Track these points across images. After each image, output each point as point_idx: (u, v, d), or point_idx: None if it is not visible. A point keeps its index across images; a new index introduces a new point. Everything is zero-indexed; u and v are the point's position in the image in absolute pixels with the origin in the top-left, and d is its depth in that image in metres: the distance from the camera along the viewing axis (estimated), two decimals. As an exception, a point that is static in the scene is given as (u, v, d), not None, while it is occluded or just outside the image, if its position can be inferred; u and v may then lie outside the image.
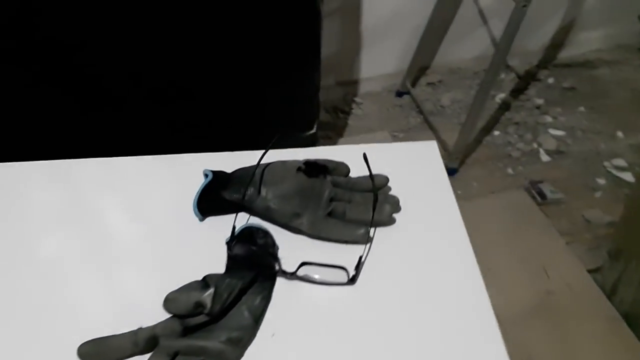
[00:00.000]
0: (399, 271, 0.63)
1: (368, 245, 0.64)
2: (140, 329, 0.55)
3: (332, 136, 1.97)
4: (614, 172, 1.82)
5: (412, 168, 0.75)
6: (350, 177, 0.70)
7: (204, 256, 0.63)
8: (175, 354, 0.53)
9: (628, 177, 1.80)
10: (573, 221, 1.68)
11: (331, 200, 0.67)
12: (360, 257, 0.62)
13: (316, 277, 0.61)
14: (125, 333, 0.55)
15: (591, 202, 1.74)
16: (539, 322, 1.43)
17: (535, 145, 1.93)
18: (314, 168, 0.69)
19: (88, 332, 0.55)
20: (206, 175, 0.70)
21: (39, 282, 0.62)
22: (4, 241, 0.66)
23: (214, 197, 0.68)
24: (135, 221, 0.69)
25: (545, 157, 1.89)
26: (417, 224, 0.68)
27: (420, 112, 2.04)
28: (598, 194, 1.76)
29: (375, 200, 0.65)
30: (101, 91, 1.15)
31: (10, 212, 0.69)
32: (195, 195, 0.68)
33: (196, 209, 0.67)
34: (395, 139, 1.93)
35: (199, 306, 0.55)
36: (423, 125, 2.01)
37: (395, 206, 0.67)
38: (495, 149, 1.92)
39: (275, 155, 0.71)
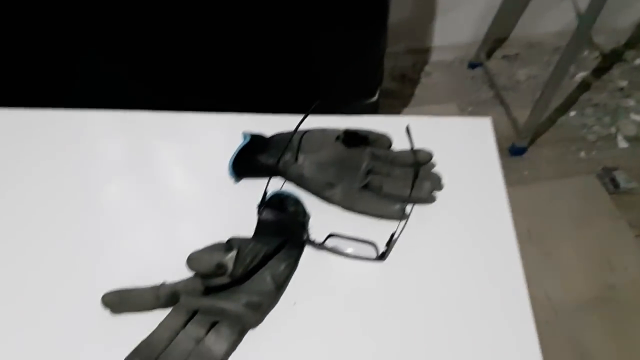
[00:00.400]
0: (432, 252, 0.60)
1: (402, 222, 0.61)
2: (163, 284, 0.56)
3: (396, 105, 1.91)
4: (698, 164, 1.67)
5: (462, 145, 0.71)
6: (391, 150, 0.68)
7: (234, 218, 0.63)
8: (194, 312, 0.54)
9: None
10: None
11: (368, 172, 0.64)
12: (393, 234, 0.59)
13: (345, 250, 0.59)
14: (148, 287, 0.56)
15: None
16: (597, 316, 1.36)
17: (613, 130, 1.80)
18: (353, 138, 0.66)
19: (112, 282, 0.56)
20: (245, 137, 0.70)
21: (81, 226, 0.64)
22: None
23: (250, 160, 0.67)
24: (170, 176, 0.69)
25: (622, 143, 1.76)
26: (458, 205, 0.64)
27: (493, 86, 1.95)
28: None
29: (415, 176, 0.62)
30: (144, 43, 1.14)
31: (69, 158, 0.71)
32: (232, 156, 0.67)
33: (231, 170, 0.67)
34: (463, 112, 1.86)
35: (220, 267, 0.54)
36: (494, 100, 1.91)
37: (437, 184, 0.64)
38: (569, 130, 1.81)
39: (320, 121, 0.69)
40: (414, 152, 0.64)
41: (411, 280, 0.58)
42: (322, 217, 0.63)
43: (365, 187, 0.63)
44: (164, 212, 0.65)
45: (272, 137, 0.69)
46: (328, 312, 0.55)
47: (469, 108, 1.90)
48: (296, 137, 0.66)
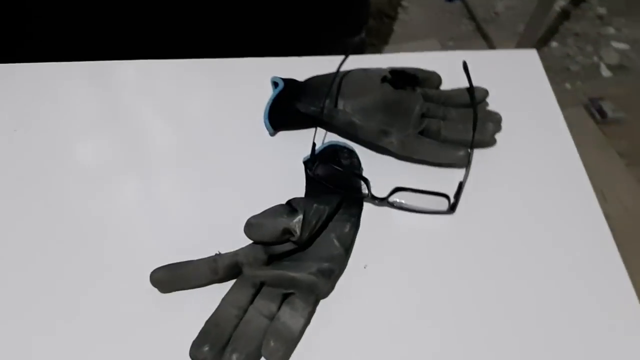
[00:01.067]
0: (501, 197, 0.55)
1: (466, 169, 0.56)
2: (219, 255, 0.49)
3: (376, 43, 1.84)
4: (681, 89, 1.68)
5: (511, 81, 0.65)
6: (443, 90, 0.62)
7: (276, 175, 0.57)
8: (261, 285, 0.48)
9: (694, 94, 1.66)
10: (634, 142, 1.58)
11: (422, 116, 0.58)
12: (461, 183, 0.54)
13: (410, 204, 0.53)
14: (203, 259, 0.49)
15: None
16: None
17: (595, 59, 1.79)
18: (401, 78, 0.60)
19: (153, 259, 0.49)
20: (275, 84, 0.62)
21: (85, 190, 0.56)
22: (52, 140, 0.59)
23: (287, 109, 0.60)
24: (198, 133, 0.61)
25: (606, 72, 1.75)
26: (519, 143, 0.60)
27: (472, 19, 1.89)
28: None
29: (476, 117, 0.57)
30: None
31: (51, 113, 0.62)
32: (266, 106, 0.60)
33: (267, 122, 0.60)
34: (445, 47, 1.80)
35: (286, 233, 0.48)
36: (475, 33, 1.86)
37: (498, 124, 0.59)
38: (552, 61, 1.79)
39: (335, 62, 0.62)
40: (472, 90, 0.58)
41: (485, 231, 0.53)
42: (374, 168, 0.57)
43: (422, 132, 0.57)
44: (196, 174, 0.58)
45: (307, 81, 0.62)
46: (401, 273, 0.50)
47: (450, 43, 1.84)
48: (335, 81, 0.59)
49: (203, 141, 0.60)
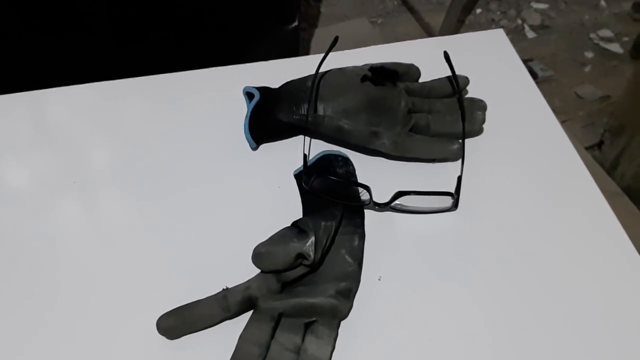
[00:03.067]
0: (498, 184, 0.55)
1: (462, 161, 0.54)
2: (227, 290, 0.46)
3: (305, 27, 1.80)
4: (601, 44, 1.77)
5: (483, 63, 0.64)
6: (424, 82, 0.60)
7: (266, 192, 0.54)
8: (279, 316, 0.45)
9: (615, 48, 1.76)
10: (565, 99, 1.65)
11: (408, 112, 0.56)
12: (459, 177, 0.53)
13: (412, 205, 0.52)
14: (212, 297, 0.45)
15: (581, 77, 1.70)
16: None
17: (519, 22, 1.84)
18: (380, 74, 0.57)
19: (144, 299, 0.45)
20: (249, 95, 0.58)
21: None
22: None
23: (268, 120, 0.57)
24: (174, 157, 0.57)
25: (530, 34, 1.81)
26: (504, 126, 0.59)
27: (397, -7, 1.89)
28: (587, 69, 1.72)
29: (463, 108, 0.56)
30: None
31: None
32: (245, 120, 0.56)
33: (249, 136, 0.56)
34: (374, 25, 1.79)
35: (298, 258, 0.45)
36: (401, 7, 1.86)
37: (484, 111, 0.57)
38: (479, 28, 1.82)
39: (300, 64, 0.59)
40: (455, 79, 0.57)
41: (490, 222, 0.52)
42: (364, 172, 0.55)
43: (410, 129, 0.56)
44: (179, 202, 0.53)
45: (283, 88, 0.59)
46: (417, 278, 0.49)
47: (379, 20, 1.83)
48: (310, 84, 0.56)
49: (180, 165, 0.56)
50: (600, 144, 1.49)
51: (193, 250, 0.50)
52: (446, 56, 0.56)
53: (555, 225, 0.52)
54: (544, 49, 1.76)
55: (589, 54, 1.75)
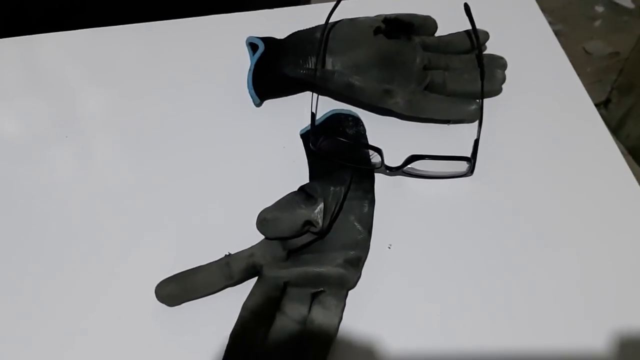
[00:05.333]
0: (516, 148, 0.52)
1: (479, 123, 0.51)
2: (230, 257, 0.43)
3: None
4: (613, -3, 1.71)
5: (503, 20, 0.60)
6: (441, 36, 0.56)
7: (271, 153, 0.51)
8: (284, 285, 0.43)
9: (627, 2, 1.69)
10: (573, 54, 1.59)
11: (424, 68, 0.53)
12: (476, 141, 0.50)
13: (426, 170, 0.49)
14: (214, 264, 0.43)
15: (591, 32, 1.64)
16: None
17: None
18: (395, 26, 0.53)
19: (143, 263, 0.43)
20: (252, 46, 0.54)
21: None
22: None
23: (273, 74, 0.53)
24: (173, 112, 0.53)
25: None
26: (525, 88, 0.55)
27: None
28: (597, 23, 1.66)
29: (482, 65, 0.52)
30: None
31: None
32: (249, 73, 0.52)
33: (252, 91, 0.52)
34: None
35: (306, 225, 0.43)
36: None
37: (504, 70, 0.54)
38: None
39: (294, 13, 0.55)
40: (476, 34, 0.53)
41: (506, 188, 0.49)
42: (374, 132, 0.52)
43: (426, 87, 0.52)
44: (178, 160, 0.51)
45: (289, 39, 0.55)
46: (429, 246, 0.46)
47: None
48: (319, 36, 0.52)
49: (177, 122, 0.53)
50: (607, 102, 1.46)
51: (192, 212, 0.47)
52: (466, 8, 0.52)
53: (576, 193, 0.49)
54: (554, 2, 1.69)
55: (600, 8, 1.69)
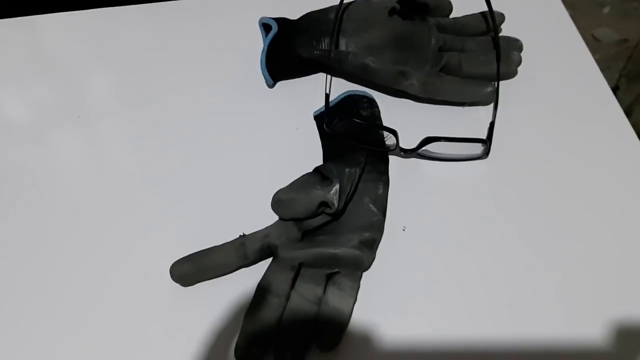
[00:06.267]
0: (533, 132, 0.51)
1: (494, 106, 0.51)
2: (245, 237, 0.43)
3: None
4: (622, -17, 1.69)
5: (516, 1, 0.59)
6: (457, 18, 0.55)
7: (284, 134, 0.51)
8: (299, 265, 0.42)
9: (636, -11, 1.67)
10: (582, 41, 1.58)
11: (439, 50, 0.52)
12: (492, 123, 0.49)
13: (441, 152, 0.49)
14: (228, 244, 0.43)
15: (599, 19, 1.63)
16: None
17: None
18: (410, 7, 0.53)
19: (158, 244, 0.43)
20: (265, 26, 0.54)
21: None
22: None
23: (286, 55, 0.52)
24: (185, 93, 0.53)
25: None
26: (541, 71, 0.55)
27: None
28: (606, 10, 1.64)
29: (499, 47, 0.51)
30: None
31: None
32: (262, 54, 0.52)
33: (266, 72, 0.52)
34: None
35: (321, 206, 0.42)
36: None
37: (520, 52, 0.53)
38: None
39: None
40: (492, 15, 0.52)
41: (522, 170, 0.49)
42: (388, 114, 0.51)
43: (441, 69, 0.51)
44: (191, 141, 0.50)
45: (302, 20, 0.54)
46: (444, 229, 0.46)
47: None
48: (333, 16, 0.51)
49: (191, 103, 0.52)
50: (615, 89, 1.45)
51: (206, 193, 0.47)
52: (483, -12, 0.52)
53: (590, 175, 0.49)
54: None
55: (609, -5, 1.67)
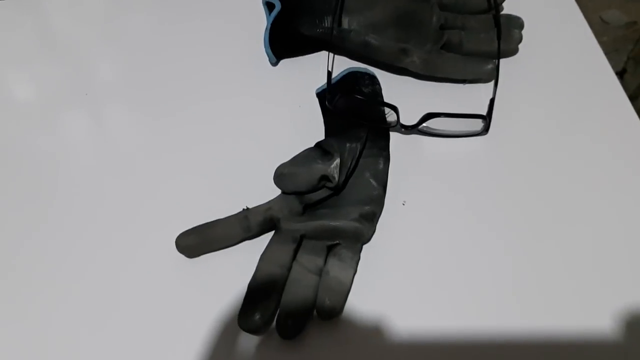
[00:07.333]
0: (533, 109, 0.52)
1: (495, 83, 0.51)
2: (248, 210, 0.44)
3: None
4: (632, -36, 1.67)
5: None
6: (457, -5, 0.55)
7: (287, 111, 0.52)
8: (301, 238, 0.44)
9: (646, -30, 1.65)
10: (590, 23, 1.57)
11: (440, 28, 0.53)
12: (492, 100, 0.50)
13: (441, 128, 0.49)
14: (232, 217, 0.44)
15: (608, 1, 1.61)
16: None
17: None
18: (412, -15, 0.53)
19: (163, 216, 0.44)
20: (269, 5, 0.54)
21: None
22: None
23: (289, 33, 0.53)
24: (190, 71, 0.54)
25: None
26: (541, 48, 0.55)
27: None
28: (615, -8, 1.63)
29: (499, 24, 0.52)
30: None
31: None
32: (265, 32, 0.53)
33: (269, 50, 0.53)
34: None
35: (322, 180, 0.43)
36: None
37: (521, 29, 0.54)
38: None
39: None
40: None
41: (521, 147, 0.50)
42: (389, 91, 0.52)
43: (442, 46, 0.52)
44: (195, 117, 0.51)
45: (303, -3, 0.54)
46: (443, 204, 0.47)
47: None
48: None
49: (195, 80, 0.53)
50: (622, 72, 1.44)
51: (211, 169, 0.48)
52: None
53: (590, 153, 0.49)
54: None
55: (618, -24, 1.65)
